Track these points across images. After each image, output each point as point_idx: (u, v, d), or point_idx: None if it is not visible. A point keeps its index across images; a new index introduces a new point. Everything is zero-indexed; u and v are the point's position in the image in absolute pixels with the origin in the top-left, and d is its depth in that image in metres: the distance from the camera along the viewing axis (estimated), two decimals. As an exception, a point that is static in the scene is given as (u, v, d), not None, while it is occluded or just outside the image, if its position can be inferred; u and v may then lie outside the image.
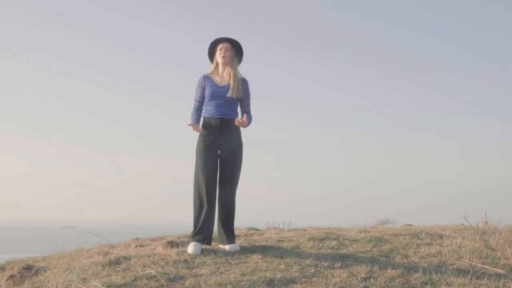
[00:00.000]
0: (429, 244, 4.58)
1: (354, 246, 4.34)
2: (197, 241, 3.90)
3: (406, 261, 3.94)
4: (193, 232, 3.98)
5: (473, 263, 3.97)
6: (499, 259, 4.14)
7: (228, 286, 3.04)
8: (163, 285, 2.99)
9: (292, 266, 3.54)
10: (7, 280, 3.77)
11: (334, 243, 4.39)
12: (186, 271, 3.32)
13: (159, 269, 3.31)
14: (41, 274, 3.57)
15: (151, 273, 3.18)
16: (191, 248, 3.81)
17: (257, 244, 4.27)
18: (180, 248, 4.09)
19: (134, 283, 3.03)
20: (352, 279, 3.30)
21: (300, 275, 3.34)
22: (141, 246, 4.95)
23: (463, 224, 6.29)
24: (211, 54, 4.21)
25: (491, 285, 3.33)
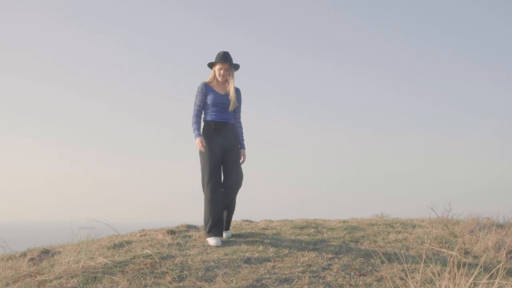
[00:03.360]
0: (399, 232, 5.13)
1: (330, 233, 4.91)
2: (215, 235, 4.35)
3: (373, 245, 4.51)
4: (207, 227, 4.39)
5: (432, 247, 4.52)
6: (458, 244, 4.69)
7: (211, 262, 3.66)
8: (156, 262, 3.61)
9: (269, 248, 4.13)
10: (28, 262, 4.41)
11: (312, 230, 4.97)
12: (178, 252, 3.94)
13: (155, 250, 3.94)
14: (56, 256, 4.20)
15: (147, 252, 3.80)
16: (213, 241, 4.28)
17: (243, 231, 4.87)
18: (176, 235, 4.70)
19: (133, 260, 3.66)
20: (319, 259, 3.89)
21: (275, 255, 3.94)
22: (145, 235, 5.57)
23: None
24: (210, 64, 4.64)
25: (438, 262, 3.89)
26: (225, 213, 4.59)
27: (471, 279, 3.64)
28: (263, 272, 3.54)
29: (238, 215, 6.23)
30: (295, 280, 3.41)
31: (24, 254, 5.04)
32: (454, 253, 4.34)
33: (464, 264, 4.00)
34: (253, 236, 4.62)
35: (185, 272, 3.44)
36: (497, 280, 3.21)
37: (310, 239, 4.59)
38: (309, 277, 3.48)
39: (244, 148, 4.66)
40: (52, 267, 3.58)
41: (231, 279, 3.37)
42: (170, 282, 3.24)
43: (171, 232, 5.09)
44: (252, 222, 6.32)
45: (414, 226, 5.60)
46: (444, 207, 5.29)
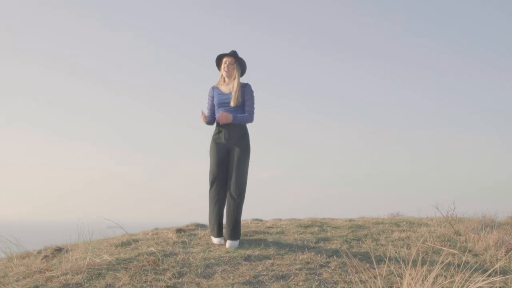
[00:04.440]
0: (403, 231, 5.20)
1: (333, 231, 5.01)
2: (217, 236, 4.48)
3: (374, 243, 4.60)
4: (210, 227, 4.55)
5: (434, 245, 4.58)
6: (460, 242, 4.74)
7: (212, 260, 3.80)
8: (159, 259, 3.77)
9: (270, 246, 4.26)
10: (41, 259, 4.62)
11: (316, 229, 5.08)
12: (181, 250, 4.09)
13: (159, 248, 4.10)
14: (66, 254, 4.40)
15: (151, 250, 3.96)
16: (216, 239, 4.44)
17: (248, 230, 5.00)
18: (182, 234, 4.85)
19: (137, 257, 3.82)
20: (318, 256, 4.00)
21: (275, 253, 4.06)
22: (156, 234, 5.75)
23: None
24: (218, 65, 4.78)
25: (437, 260, 3.95)
26: (226, 219, 4.50)
27: (465, 275, 3.71)
28: (261, 269, 3.66)
29: (249, 214, 6.37)
30: (291, 277, 3.53)
31: (40, 252, 5.26)
32: (454, 251, 4.41)
33: (463, 262, 4.07)
34: (256, 235, 4.75)
35: (185, 268, 3.59)
36: (497, 278, 3.25)
37: (313, 237, 4.70)
38: (306, 274, 3.60)
39: (231, 116, 4.53)
40: (61, 264, 3.76)
41: (228, 275, 3.50)
42: (169, 278, 3.40)
43: (180, 230, 5.25)
44: (261, 221, 6.44)
45: (420, 225, 5.66)
46: (449, 206, 5.34)
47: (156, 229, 6.52)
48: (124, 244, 4.40)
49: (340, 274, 3.66)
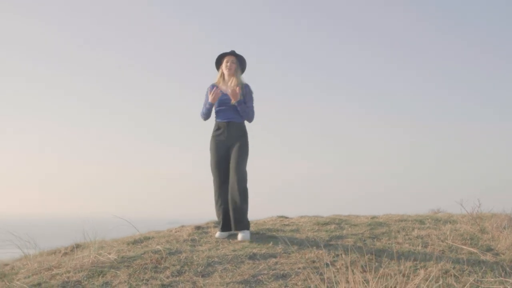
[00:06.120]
0: (425, 228, 5.00)
1: (350, 229, 4.88)
2: (221, 230, 4.64)
3: (390, 241, 4.45)
4: (217, 223, 4.76)
5: (454, 243, 4.38)
6: (483, 240, 4.51)
7: (215, 258, 3.79)
8: (163, 257, 3.79)
9: (279, 244, 4.20)
10: (61, 256, 4.76)
11: (332, 226, 4.96)
12: (188, 248, 4.10)
13: (167, 246, 4.13)
14: (81, 250, 4.51)
15: (158, 248, 3.99)
16: (217, 233, 4.62)
17: (263, 227, 4.96)
18: (196, 231, 4.87)
19: (142, 255, 3.87)
20: (326, 255, 3.90)
21: (282, 251, 4.00)
22: (178, 231, 5.79)
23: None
24: (217, 64, 4.91)
25: (452, 260, 3.79)
26: (231, 213, 4.60)
27: (479, 276, 3.53)
28: (262, 268, 3.62)
29: (274, 211, 6.31)
30: (292, 276, 3.47)
31: (66, 249, 5.41)
32: (474, 250, 4.20)
33: (480, 262, 3.87)
34: (269, 232, 4.69)
35: (186, 267, 3.60)
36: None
37: (327, 235, 4.60)
38: (308, 273, 3.52)
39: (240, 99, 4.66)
40: (69, 261, 3.86)
41: (227, 274, 3.48)
42: (167, 277, 3.41)
43: (198, 227, 5.28)
44: (286, 218, 6.38)
45: (446, 222, 5.43)
46: (473, 202, 5.09)
47: (183, 226, 6.59)
48: (136, 242, 4.46)
49: (344, 274, 3.56)
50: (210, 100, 4.66)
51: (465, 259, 3.89)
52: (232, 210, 4.58)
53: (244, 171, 4.68)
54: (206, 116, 4.83)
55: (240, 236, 4.45)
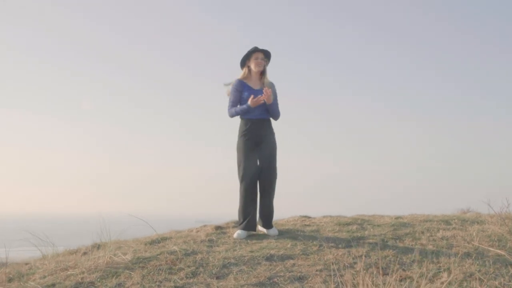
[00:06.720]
0: (451, 229, 4.82)
1: (372, 230, 4.74)
2: (243, 229, 4.56)
3: (413, 243, 4.30)
4: (239, 222, 4.66)
5: (480, 245, 4.21)
6: (510, 242, 4.32)
7: (231, 259, 3.72)
8: (179, 258, 3.74)
9: (298, 245, 4.10)
10: (81, 255, 4.77)
11: (354, 227, 4.83)
12: (205, 248, 4.04)
13: (184, 246, 4.07)
14: (98, 250, 4.50)
15: (174, 249, 3.94)
16: (236, 234, 4.53)
17: (282, 228, 4.86)
18: (215, 231, 4.81)
19: (158, 256, 3.82)
20: (345, 256, 3.79)
21: (301, 253, 3.90)
22: (198, 231, 5.75)
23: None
24: (244, 60, 4.77)
25: (477, 262, 3.63)
26: (261, 211, 4.65)
27: (505, 279, 3.37)
28: (279, 269, 3.53)
29: (298, 211, 6.22)
30: (309, 279, 3.37)
31: (86, 248, 5.42)
32: (502, 252, 4.02)
33: (507, 264, 3.70)
34: (289, 233, 4.60)
35: (201, 268, 3.54)
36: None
37: (348, 236, 4.47)
38: (326, 275, 3.42)
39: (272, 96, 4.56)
40: (85, 262, 3.84)
41: (243, 276, 3.40)
42: (181, 278, 3.35)
43: (218, 227, 5.22)
44: (309, 218, 6.27)
45: (473, 223, 5.23)
46: (502, 201, 4.89)
47: (205, 225, 6.54)
48: (154, 242, 4.42)
49: (363, 276, 3.44)
50: (251, 105, 4.54)
51: (491, 262, 3.72)
52: (263, 209, 4.64)
53: (276, 170, 4.69)
54: (237, 115, 4.72)
55: (272, 232, 4.59)
